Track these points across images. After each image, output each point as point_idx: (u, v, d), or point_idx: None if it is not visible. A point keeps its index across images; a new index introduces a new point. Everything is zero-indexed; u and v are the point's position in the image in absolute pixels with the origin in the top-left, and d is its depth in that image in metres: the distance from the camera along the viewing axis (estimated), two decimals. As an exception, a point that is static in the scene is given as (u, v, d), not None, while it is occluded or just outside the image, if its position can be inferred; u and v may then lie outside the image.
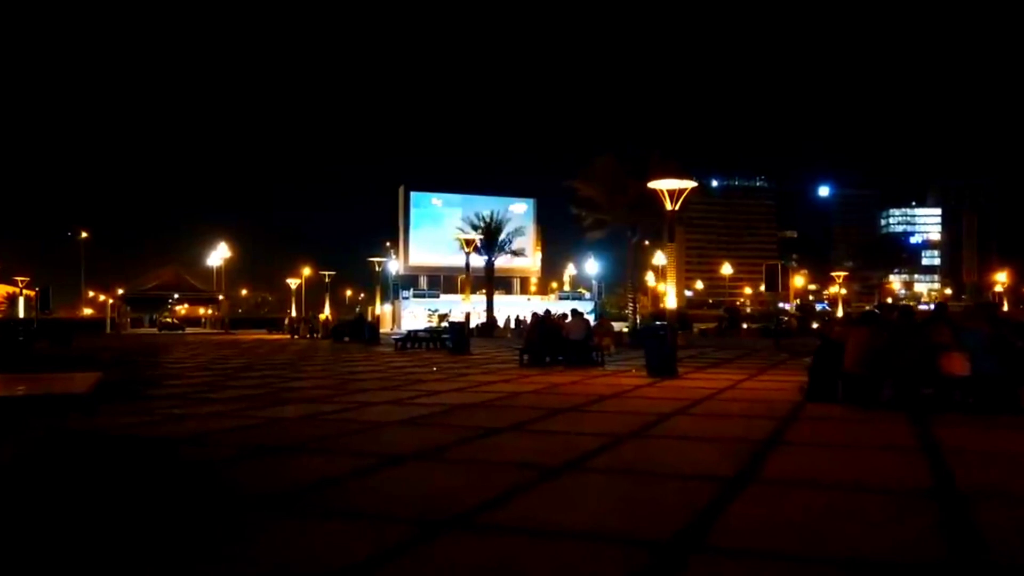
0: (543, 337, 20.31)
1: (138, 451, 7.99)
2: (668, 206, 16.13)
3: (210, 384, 15.93)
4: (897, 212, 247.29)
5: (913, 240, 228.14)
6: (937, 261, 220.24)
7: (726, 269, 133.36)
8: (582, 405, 11.51)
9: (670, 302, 16.38)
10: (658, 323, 18.53)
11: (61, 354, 27.64)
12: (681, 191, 16.04)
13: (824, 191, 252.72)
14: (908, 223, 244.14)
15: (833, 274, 47.32)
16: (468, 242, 28.26)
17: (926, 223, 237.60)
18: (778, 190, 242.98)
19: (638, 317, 35.64)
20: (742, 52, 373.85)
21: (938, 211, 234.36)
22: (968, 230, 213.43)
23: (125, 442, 8.51)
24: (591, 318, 28.40)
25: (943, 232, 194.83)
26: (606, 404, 11.84)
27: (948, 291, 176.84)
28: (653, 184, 16.17)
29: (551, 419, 10.08)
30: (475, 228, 46.54)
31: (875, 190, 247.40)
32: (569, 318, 20.51)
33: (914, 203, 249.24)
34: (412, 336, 31.06)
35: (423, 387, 14.77)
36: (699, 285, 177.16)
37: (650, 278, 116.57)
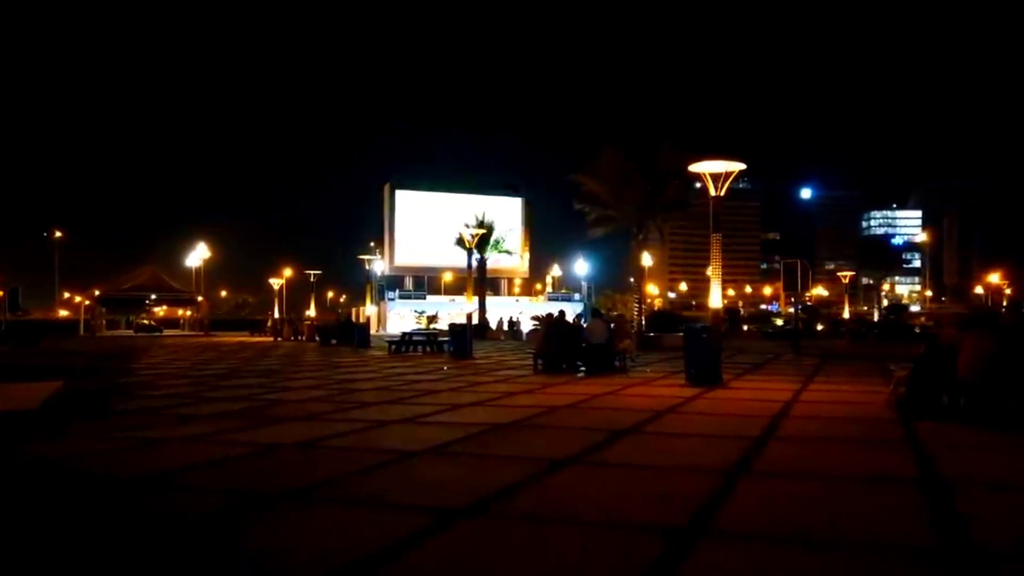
0: (560, 341, 18.32)
1: (96, 503, 5.94)
2: (712, 191, 14.22)
3: (189, 395, 13.83)
4: (879, 214, 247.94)
5: (895, 242, 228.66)
6: (918, 263, 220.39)
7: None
8: (638, 425, 9.53)
9: (714, 301, 14.42)
10: (700, 325, 16.59)
11: (26, 358, 25.38)
12: (728, 174, 14.14)
13: (807, 193, 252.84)
14: (889, 225, 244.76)
15: (840, 274, 45.69)
16: (472, 237, 26.14)
17: (907, 225, 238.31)
18: (762, 192, 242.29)
19: (644, 318, 33.76)
20: (726, 56, 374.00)
21: (919, 213, 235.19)
22: (949, 232, 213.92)
23: (80, 486, 6.47)
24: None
25: (925, 234, 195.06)
26: (665, 423, 9.86)
27: (929, 293, 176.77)
28: (696, 167, 14.25)
29: (614, 446, 8.10)
30: (467, 225, 44.47)
31: (858, 192, 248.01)
32: (588, 320, 18.52)
33: (895, 205, 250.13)
34: (407, 339, 28.98)
35: (437, 400, 12.75)
36: (683, 287, 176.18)
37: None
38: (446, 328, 36.51)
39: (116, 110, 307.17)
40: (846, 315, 47.22)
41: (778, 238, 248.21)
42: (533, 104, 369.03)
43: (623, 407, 11.48)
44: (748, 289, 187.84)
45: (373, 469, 6.90)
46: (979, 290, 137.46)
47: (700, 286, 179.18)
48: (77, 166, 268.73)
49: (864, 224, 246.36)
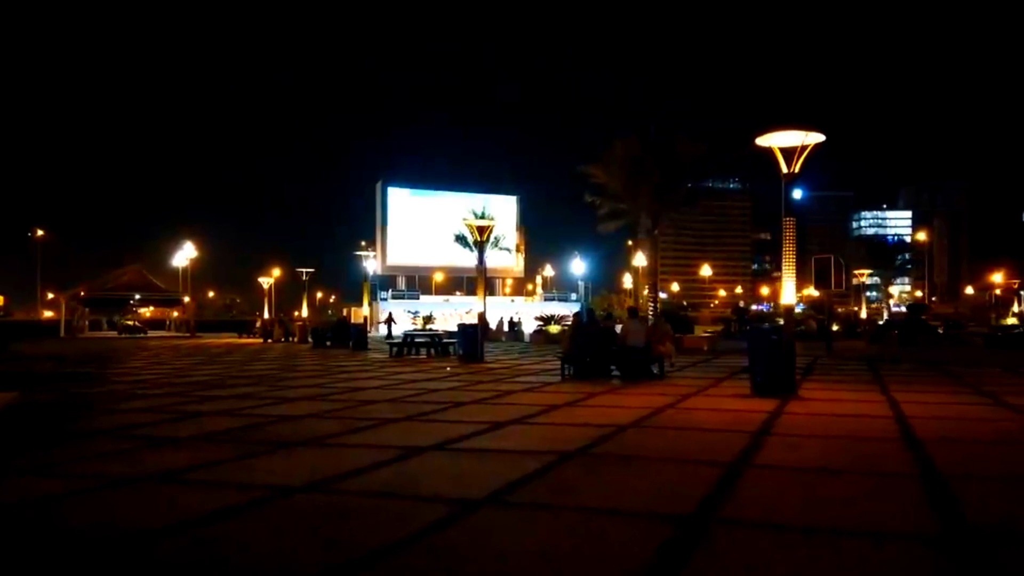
0: (591, 344, 16.20)
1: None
2: (784, 168, 12.17)
3: (169, 409, 11.63)
4: (869, 214, 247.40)
5: (889, 242, 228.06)
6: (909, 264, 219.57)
7: (705, 271, 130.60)
8: (743, 455, 7.41)
9: (787, 297, 12.34)
10: (767, 325, 14.51)
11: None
12: (803, 148, 12.11)
13: (798, 193, 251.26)
14: (879, 225, 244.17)
15: (856, 272, 43.74)
16: (481, 229, 24.01)
17: (897, 225, 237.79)
18: (752, 191, 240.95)
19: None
20: (719, 55, 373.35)
21: (909, 213, 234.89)
22: (939, 232, 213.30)
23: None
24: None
25: (923, 233, 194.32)
26: (774, 452, 7.74)
27: (919, 293, 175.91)
28: (764, 140, 12.18)
29: (738, 490, 5.99)
30: (472, 217, 42.23)
31: (849, 192, 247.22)
32: (626, 320, 16.41)
33: (885, 205, 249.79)
34: (409, 341, 26.82)
35: (466, 415, 10.64)
36: (675, 287, 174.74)
37: (628, 281, 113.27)
38: (441, 329, 34.55)
39: (102, 106, 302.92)
40: (863, 315, 45.46)
41: (769, 238, 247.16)
42: (527, 103, 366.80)
43: (701, 426, 9.38)
44: (739, 289, 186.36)
45: (424, 536, 4.74)
46: (969, 290, 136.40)
47: (692, 287, 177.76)
48: (62, 164, 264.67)
49: (854, 224, 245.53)
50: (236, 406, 12.00)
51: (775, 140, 12.16)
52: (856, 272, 42.93)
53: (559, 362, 17.07)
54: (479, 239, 23.06)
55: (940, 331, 38.85)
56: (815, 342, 29.27)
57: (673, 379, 15.87)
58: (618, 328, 17.34)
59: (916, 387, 14.03)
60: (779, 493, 5.84)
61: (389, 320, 45.09)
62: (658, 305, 32.46)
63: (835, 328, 45.99)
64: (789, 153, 12.22)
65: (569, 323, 40.99)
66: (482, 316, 22.94)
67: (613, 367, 16.16)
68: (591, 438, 8.30)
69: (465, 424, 9.60)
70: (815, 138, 11.90)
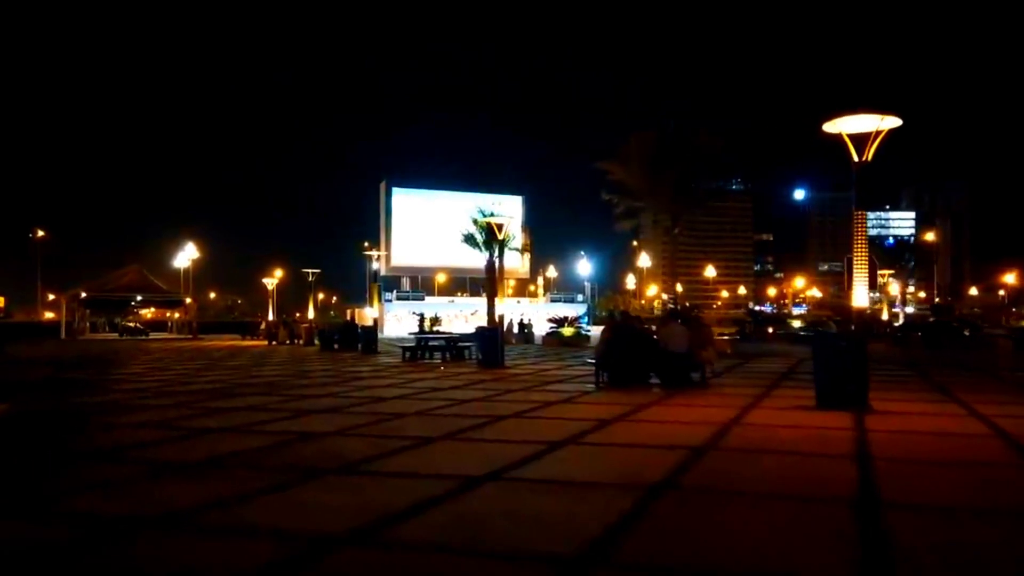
0: (629, 348, 15.00)
1: None
2: (855, 156, 11.03)
3: (172, 424, 10.42)
4: (872, 215, 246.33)
5: (888, 243, 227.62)
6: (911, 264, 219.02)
7: (709, 271, 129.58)
8: (865, 490, 6.26)
9: (859, 299, 11.17)
10: (833, 330, 13.35)
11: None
12: (876, 134, 10.94)
13: (800, 194, 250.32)
14: (882, 226, 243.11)
15: (880, 272, 42.63)
16: (498, 227, 22.80)
17: (900, 227, 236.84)
18: (754, 193, 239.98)
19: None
20: (716, 54, 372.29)
21: (912, 214, 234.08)
22: (941, 232, 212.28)
23: None
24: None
25: (921, 235, 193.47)
26: (892, 482, 6.55)
27: (922, 294, 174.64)
28: (831, 126, 11.02)
29: (901, 544, 4.79)
30: (475, 222, 41.24)
31: (851, 193, 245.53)
32: (666, 323, 15.21)
33: (888, 206, 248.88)
34: (424, 344, 25.57)
35: (508, 432, 9.47)
36: (678, 288, 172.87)
37: (630, 282, 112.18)
38: (448, 331, 33.42)
39: (101, 107, 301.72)
40: (885, 316, 44.41)
41: (771, 239, 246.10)
42: (528, 103, 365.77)
43: (788, 448, 8.18)
44: (742, 290, 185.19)
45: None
46: (973, 290, 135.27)
47: (695, 288, 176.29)
48: (62, 164, 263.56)
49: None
50: (249, 420, 10.80)
51: (845, 126, 10.96)
52: (880, 273, 41.77)
53: (587, 367, 15.87)
54: (497, 237, 21.76)
55: (966, 333, 37.70)
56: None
57: (717, 387, 14.69)
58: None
59: (988, 396, 12.87)
60: (951, 546, 4.65)
61: (421, 322, 44.12)
62: (678, 306, 31.31)
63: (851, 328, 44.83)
64: (859, 140, 11.04)
65: (578, 324, 39.85)
66: (500, 319, 21.71)
67: (652, 374, 15.00)
68: (670, 464, 7.12)
69: (514, 444, 8.40)
70: (891, 123, 10.70)
